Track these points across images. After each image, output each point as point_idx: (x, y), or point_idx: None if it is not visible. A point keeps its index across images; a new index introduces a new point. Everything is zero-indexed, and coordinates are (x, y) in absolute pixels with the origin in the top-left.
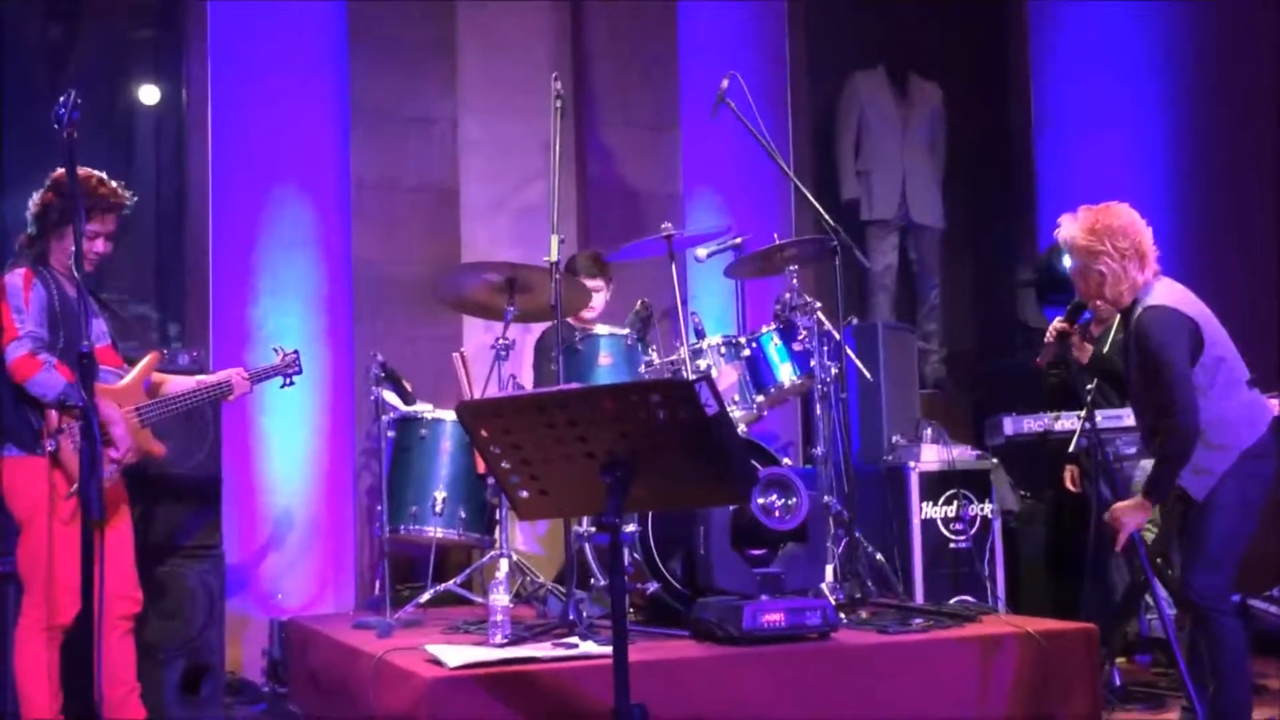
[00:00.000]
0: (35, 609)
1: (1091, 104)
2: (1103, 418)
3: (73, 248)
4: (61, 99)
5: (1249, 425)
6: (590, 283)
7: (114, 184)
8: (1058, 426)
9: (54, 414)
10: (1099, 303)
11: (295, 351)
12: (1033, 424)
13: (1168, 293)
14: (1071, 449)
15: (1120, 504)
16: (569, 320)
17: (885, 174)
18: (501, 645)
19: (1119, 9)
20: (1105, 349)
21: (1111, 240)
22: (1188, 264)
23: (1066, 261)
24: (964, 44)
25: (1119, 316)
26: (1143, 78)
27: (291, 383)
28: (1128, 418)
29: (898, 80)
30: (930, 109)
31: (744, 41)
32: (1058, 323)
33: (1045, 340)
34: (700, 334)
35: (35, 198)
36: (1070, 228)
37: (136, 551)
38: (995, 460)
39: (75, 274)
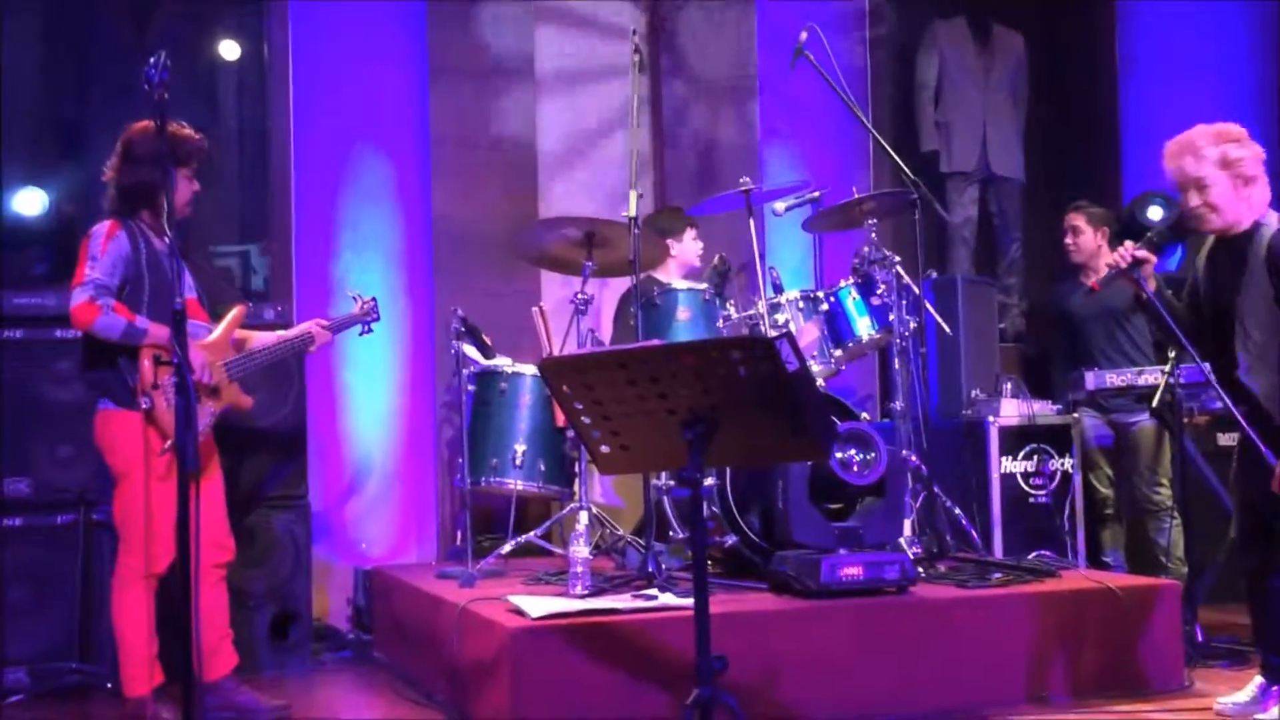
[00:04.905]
0: (130, 556)
1: (1178, 53)
2: (1186, 373)
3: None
4: (152, 60)
5: None
6: (678, 242)
7: (185, 129)
8: (1140, 381)
9: (148, 370)
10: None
11: (373, 299)
12: (1115, 378)
13: None
14: (1155, 403)
15: None
16: (654, 275)
17: (965, 125)
18: (582, 596)
19: None
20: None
21: (1221, 149)
22: None
23: (1155, 213)
24: None
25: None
26: (1232, 25)
27: (370, 329)
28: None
29: (979, 29)
30: (1013, 58)
31: None
32: (1136, 250)
33: (1114, 262)
34: (778, 288)
35: (110, 163)
36: (1174, 144)
37: (226, 501)
38: (1076, 415)
39: (166, 230)
